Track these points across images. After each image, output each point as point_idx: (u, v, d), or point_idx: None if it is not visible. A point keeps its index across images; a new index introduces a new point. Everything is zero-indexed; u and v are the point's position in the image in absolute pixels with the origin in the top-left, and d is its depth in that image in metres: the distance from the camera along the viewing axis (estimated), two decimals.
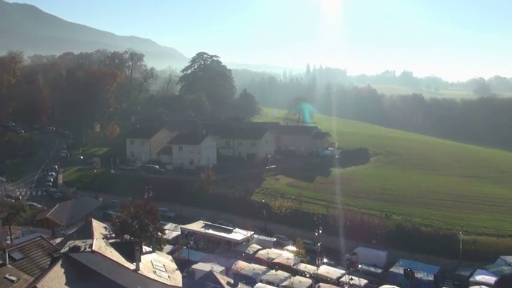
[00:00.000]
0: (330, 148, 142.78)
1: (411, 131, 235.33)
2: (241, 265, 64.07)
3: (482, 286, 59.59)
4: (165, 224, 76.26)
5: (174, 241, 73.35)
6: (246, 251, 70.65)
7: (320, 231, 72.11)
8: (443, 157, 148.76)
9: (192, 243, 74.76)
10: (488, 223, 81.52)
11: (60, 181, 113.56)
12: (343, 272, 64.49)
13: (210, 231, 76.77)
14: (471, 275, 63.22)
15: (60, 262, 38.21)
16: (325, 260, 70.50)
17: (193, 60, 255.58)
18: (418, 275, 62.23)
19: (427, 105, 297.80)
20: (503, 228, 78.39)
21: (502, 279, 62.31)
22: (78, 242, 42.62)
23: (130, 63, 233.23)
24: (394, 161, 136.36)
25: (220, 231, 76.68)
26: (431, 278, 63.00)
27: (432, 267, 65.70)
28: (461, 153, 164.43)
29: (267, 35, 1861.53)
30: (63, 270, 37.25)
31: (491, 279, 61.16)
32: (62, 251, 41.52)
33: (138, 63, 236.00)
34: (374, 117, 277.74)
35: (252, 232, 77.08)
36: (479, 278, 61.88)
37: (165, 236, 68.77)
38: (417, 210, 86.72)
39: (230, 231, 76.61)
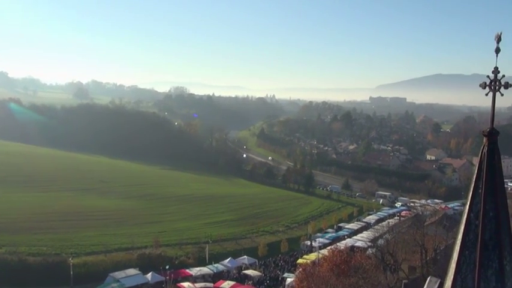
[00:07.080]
0: None
1: (11, 140, 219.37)
2: None
3: None
4: None
5: None
6: None
7: None
8: (48, 170, 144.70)
9: None
10: (96, 239, 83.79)
11: None
12: None
13: None
14: None
15: None
16: None
17: None
18: None
19: (26, 110, 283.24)
20: (110, 243, 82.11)
21: None
22: None
23: None
24: None
25: None
26: None
27: None
28: (65, 164, 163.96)
29: None
30: None
31: None
32: None
33: None
34: None
35: None
36: None
37: None
38: (23, 237, 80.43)
39: None
